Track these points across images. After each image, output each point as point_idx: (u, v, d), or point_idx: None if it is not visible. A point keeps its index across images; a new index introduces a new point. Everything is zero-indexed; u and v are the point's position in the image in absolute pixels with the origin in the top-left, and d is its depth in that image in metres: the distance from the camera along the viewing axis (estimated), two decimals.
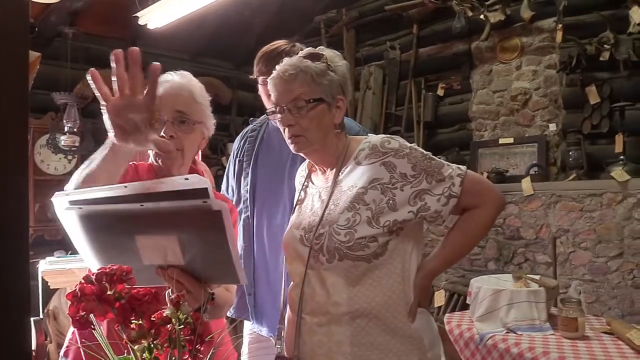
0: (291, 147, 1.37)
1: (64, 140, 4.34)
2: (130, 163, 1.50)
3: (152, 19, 3.45)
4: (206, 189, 0.95)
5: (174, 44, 5.16)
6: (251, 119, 2.06)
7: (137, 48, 1.03)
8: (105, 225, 1.07)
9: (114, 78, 1.04)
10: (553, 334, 2.03)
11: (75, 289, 0.84)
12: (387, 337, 1.27)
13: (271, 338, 1.81)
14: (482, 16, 4.11)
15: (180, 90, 1.41)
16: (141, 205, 0.99)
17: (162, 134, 1.37)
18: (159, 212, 1.00)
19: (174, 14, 3.43)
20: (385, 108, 4.99)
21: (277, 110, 1.35)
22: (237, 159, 1.93)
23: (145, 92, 1.05)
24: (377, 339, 1.26)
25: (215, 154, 5.64)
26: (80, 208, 1.05)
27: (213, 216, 0.98)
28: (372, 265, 1.27)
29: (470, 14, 4.16)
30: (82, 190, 1.06)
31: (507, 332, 2.07)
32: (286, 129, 1.35)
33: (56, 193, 1.06)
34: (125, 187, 1.00)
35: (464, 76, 4.51)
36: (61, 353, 1.38)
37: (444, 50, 4.63)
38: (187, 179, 0.95)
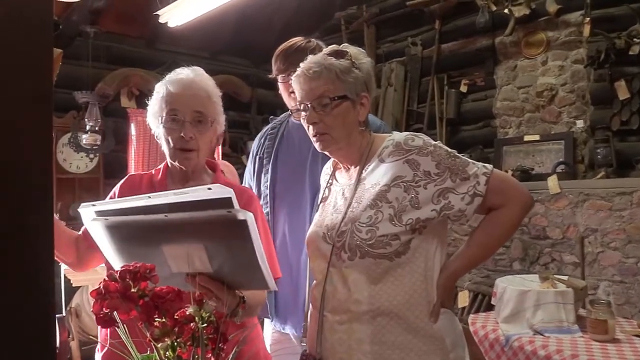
0: (316, 145, 1.38)
1: (85, 138, 4.41)
2: (147, 172, 1.55)
3: (172, 17, 3.47)
4: (230, 198, 0.96)
5: (194, 42, 5.20)
6: (271, 117, 2.07)
7: None
8: (132, 235, 1.10)
9: None
10: (582, 337, 2.00)
11: (99, 287, 0.85)
12: (409, 337, 1.26)
13: (292, 337, 1.81)
14: (506, 10, 4.06)
15: (198, 90, 1.44)
16: (166, 216, 1.01)
17: (182, 134, 1.40)
18: (183, 222, 1.02)
19: (194, 12, 3.45)
20: (407, 105, 4.96)
21: (302, 108, 1.37)
22: (257, 157, 1.95)
23: None
24: (398, 338, 1.26)
25: (235, 152, 5.67)
26: (107, 219, 1.08)
27: (238, 225, 0.99)
28: (394, 263, 1.27)
29: (494, 8, 4.12)
30: (107, 201, 1.09)
31: (533, 334, 2.04)
32: (310, 127, 1.36)
33: (82, 204, 1.10)
34: (149, 197, 1.02)
35: (487, 72, 4.46)
36: (97, 348, 1.44)
37: (467, 45, 4.58)
38: (210, 188, 0.96)
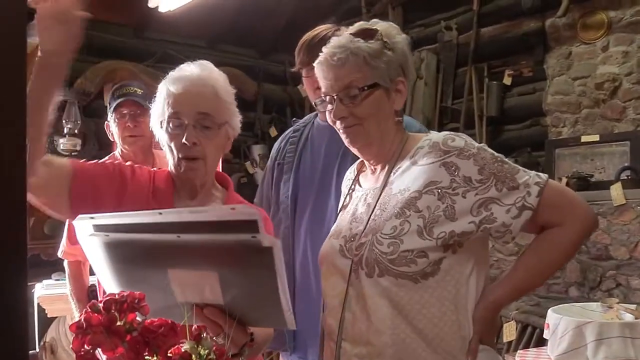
0: (345, 140, 1.39)
1: (63, 143, 4.45)
2: (150, 169, 1.54)
3: (163, 0, 3.51)
4: (256, 221, 0.96)
5: (189, 30, 5.25)
6: (294, 119, 2.12)
7: None
8: (135, 255, 1.11)
9: None
10: None
11: (80, 319, 0.86)
12: None
13: None
14: None
15: (203, 87, 1.43)
16: (178, 237, 1.01)
17: (183, 140, 1.39)
18: (198, 244, 1.02)
19: None
20: (440, 101, 4.95)
21: (327, 100, 1.37)
22: (277, 163, 1.99)
23: None
24: None
25: (237, 158, 5.69)
26: (107, 235, 1.08)
27: (262, 253, 1.00)
28: (420, 286, 1.26)
29: None
30: (110, 214, 1.09)
31: None
32: (338, 122, 1.36)
33: (79, 216, 1.10)
34: (160, 214, 1.02)
35: (536, 61, 4.44)
36: None
37: (512, 29, 4.56)
38: (233, 208, 0.97)
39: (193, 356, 0.86)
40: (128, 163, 1.55)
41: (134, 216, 1.07)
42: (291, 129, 2.04)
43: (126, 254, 1.10)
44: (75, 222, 1.10)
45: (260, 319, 1.19)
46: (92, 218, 1.08)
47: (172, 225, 1.01)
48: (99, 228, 1.08)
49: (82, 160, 1.44)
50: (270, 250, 1.00)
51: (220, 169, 1.72)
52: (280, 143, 2.03)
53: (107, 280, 1.16)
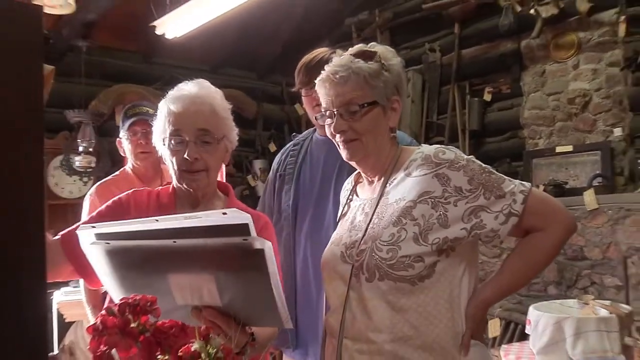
0: (344, 153, 1.38)
1: (78, 161, 4.45)
2: (155, 189, 1.53)
3: (169, 28, 3.53)
4: (247, 224, 0.95)
5: (193, 55, 5.26)
6: (293, 134, 2.14)
7: None
8: (135, 262, 1.09)
9: None
10: None
11: (97, 322, 0.85)
12: None
13: None
14: (532, 11, 4.06)
15: (201, 105, 1.42)
16: (174, 242, 1.00)
17: (185, 156, 1.39)
18: (193, 249, 1.00)
19: (192, 22, 3.50)
20: (426, 117, 4.96)
21: (327, 114, 1.37)
22: (278, 174, 2.00)
23: None
24: None
25: (240, 172, 5.69)
26: (108, 243, 1.07)
27: (254, 255, 0.98)
28: (417, 288, 1.26)
29: (518, 9, 4.12)
30: (110, 223, 1.08)
31: None
32: (337, 135, 1.36)
33: (81, 226, 1.09)
34: (157, 220, 1.01)
35: (513, 78, 4.46)
36: None
37: (490, 50, 4.59)
38: (225, 213, 0.95)
39: (202, 354, 0.85)
40: (125, 193, 1.51)
41: (132, 224, 1.05)
42: (291, 142, 2.05)
43: (127, 260, 1.09)
44: (78, 232, 1.08)
45: (258, 319, 1.17)
46: (93, 227, 1.07)
47: (168, 231, 1.00)
48: (100, 236, 1.07)
49: (68, 229, 1.39)
50: (262, 252, 0.98)
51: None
52: (281, 156, 2.04)
53: (111, 287, 1.15)
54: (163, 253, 1.03)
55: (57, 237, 1.38)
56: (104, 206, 1.49)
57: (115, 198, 1.49)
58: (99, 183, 2.51)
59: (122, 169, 2.58)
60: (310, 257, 1.84)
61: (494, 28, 4.43)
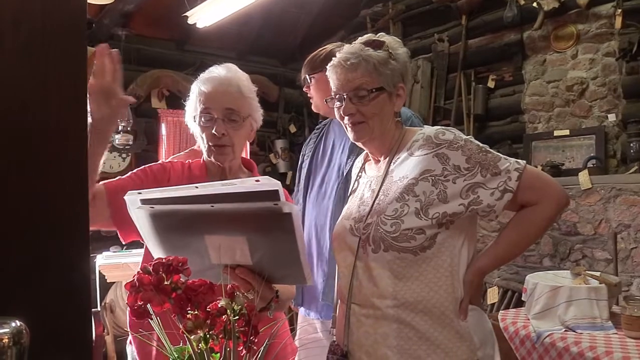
0: (351, 135, 1.37)
1: (118, 139, 4.49)
2: (185, 161, 1.54)
3: (201, 17, 3.52)
4: (277, 190, 0.96)
5: (222, 43, 5.24)
6: (320, 120, 2.21)
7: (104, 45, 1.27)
8: (176, 224, 1.10)
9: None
10: (616, 334, 1.94)
11: (134, 279, 0.86)
12: (435, 333, 1.24)
13: (320, 331, 1.84)
14: (534, 4, 3.98)
15: (229, 86, 1.43)
16: (212, 206, 1.01)
17: (213, 131, 1.40)
18: (229, 213, 1.02)
19: (222, 11, 3.49)
20: (434, 102, 4.91)
21: (337, 98, 1.35)
22: (302, 154, 2.10)
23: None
24: (424, 335, 1.24)
25: (263, 151, 5.70)
26: (152, 207, 1.08)
27: (283, 218, 0.99)
28: (419, 258, 1.25)
29: (522, 2, 4.05)
30: (154, 190, 1.09)
31: (565, 331, 2.00)
32: (346, 117, 1.35)
33: (129, 192, 1.10)
34: (196, 187, 1.02)
35: (515, 67, 4.37)
36: (128, 341, 1.45)
37: (495, 40, 4.50)
38: (258, 180, 0.96)
39: (228, 310, 0.86)
40: (164, 162, 1.54)
41: (174, 190, 1.06)
42: (316, 127, 2.14)
43: (169, 223, 1.10)
44: (126, 197, 1.09)
45: (284, 277, 1.18)
46: (139, 193, 1.08)
47: (207, 197, 1.01)
48: (145, 201, 1.08)
49: (112, 180, 1.42)
50: (290, 215, 0.99)
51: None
52: (308, 141, 2.13)
53: (153, 247, 1.16)
54: (201, 217, 1.04)
55: (100, 184, 1.39)
56: (148, 167, 1.50)
57: (157, 163, 1.52)
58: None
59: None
60: (313, 221, 1.90)
61: (498, 20, 4.35)
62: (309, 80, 1.89)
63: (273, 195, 0.96)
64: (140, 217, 1.12)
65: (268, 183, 0.95)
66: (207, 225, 1.07)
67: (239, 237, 1.06)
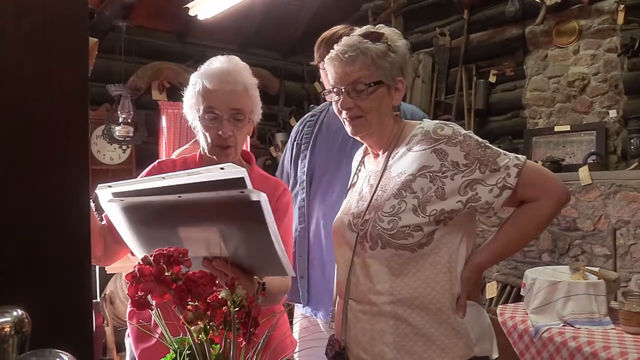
0: (348, 129, 1.35)
1: (118, 130, 4.48)
2: (180, 157, 1.53)
3: (202, 9, 3.50)
4: (242, 178, 0.93)
5: (223, 36, 5.23)
6: (312, 105, 2.09)
7: None
8: (148, 217, 1.08)
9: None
10: (614, 329, 1.95)
11: (134, 270, 0.86)
12: (431, 330, 1.24)
13: (321, 324, 1.82)
14: None
15: (235, 84, 1.39)
16: (179, 197, 0.99)
17: (219, 133, 1.37)
18: (197, 203, 0.99)
19: (223, 4, 3.47)
20: (435, 96, 4.90)
21: (335, 92, 1.32)
22: (295, 143, 1.96)
23: None
24: (421, 331, 1.24)
25: (263, 144, 5.70)
26: (122, 200, 1.06)
27: (252, 207, 0.96)
28: (417, 254, 1.24)
29: None
30: (123, 182, 1.06)
31: (563, 325, 2.01)
32: (343, 112, 1.32)
33: (99, 185, 1.07)
34: (163, 178, 0.99)
35: (517, 62, 4.36)
36: (127, 333, 1.44)
37: (496, 35, 4.49)
38: (222, 168, 0.93)
39: (228, 302, 0.86)
40: (152, 165, 1.51)
41: (143, 182, 1.04)
42: (309, 113, 2.01)
43: (141, 216, 1.08)
44: (97, 191, 1.07)
45: (263, 268, 1.15)
46: (109, 186, 1.06)
47: (174, 187, 0.98)
48: (116, 195, 1.06)
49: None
50: (258, 203, 0.96)
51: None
52: (299, 126, 1.99)
53: (130, 241, 1.14)
54: (171, 208, 1.02)
55: (103, 223, 1.38)
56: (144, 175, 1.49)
57: (145, 171, 1.49)
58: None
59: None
60: (322, 220, 1.82)
61: (500, 14, 4.34)
62: (320, 67, 1.86)
63: (239, 182, 0.93)
64: (112, 211, 1.09)
65: (233, 170, 0.92)
66: (179, 217, 1.04)
67: (210, 228, 1.04)
